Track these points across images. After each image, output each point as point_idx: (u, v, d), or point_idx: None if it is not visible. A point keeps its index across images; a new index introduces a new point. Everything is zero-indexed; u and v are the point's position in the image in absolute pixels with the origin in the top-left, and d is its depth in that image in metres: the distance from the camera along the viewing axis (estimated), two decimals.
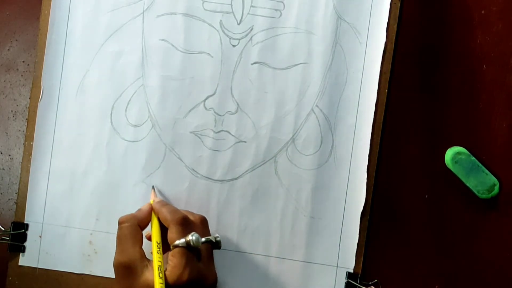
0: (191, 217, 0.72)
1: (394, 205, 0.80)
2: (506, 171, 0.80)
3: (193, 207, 0.79)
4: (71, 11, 0.79)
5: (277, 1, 0.79)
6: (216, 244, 0.72)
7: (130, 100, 0.79)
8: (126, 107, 0.79)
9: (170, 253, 0.68)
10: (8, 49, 0.82)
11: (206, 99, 0.79)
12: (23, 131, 0.80)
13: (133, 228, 0.71)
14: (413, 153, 0.81)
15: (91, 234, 0.79)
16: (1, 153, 0.82)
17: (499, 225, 0.80)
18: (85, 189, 0.79)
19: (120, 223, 0.72)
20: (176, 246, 0.68)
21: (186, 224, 0.70)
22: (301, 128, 0.79)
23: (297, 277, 0.79)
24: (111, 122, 0.79)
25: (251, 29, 0.79)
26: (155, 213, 0.74)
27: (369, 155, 0.79)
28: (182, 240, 0.68)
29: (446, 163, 0.79)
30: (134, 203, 0.79)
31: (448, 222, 0.80)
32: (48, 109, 0.79)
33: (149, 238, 0.74)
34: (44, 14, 0.79)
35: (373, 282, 0.79)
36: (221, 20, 0.79)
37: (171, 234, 0.69)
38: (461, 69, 0.81)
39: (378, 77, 0.79)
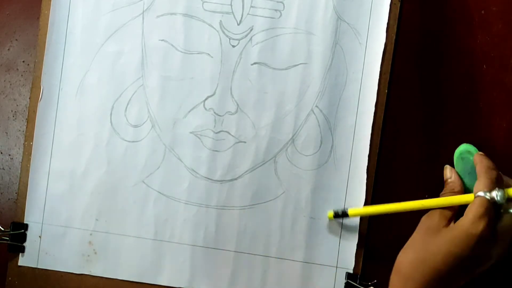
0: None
1: None
2: (506, 171, 0.80)
3: (192, 208, 0.79)
4: (71, 11, 0.79)
5: (277, 2, 0.79)
6: None
7: (130, 100, 0.79)
8: (126, 107, 0.79)
9: (470, 203, 0.67)
10: (8, 49, 0.82)
11: (205, 99, 0.79)
12: (23, 131, 0.80)
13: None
14: (413, 153, 0.81)
15: (90, 234, 0.79)
16: (1, 153, 0.82)
17: None
18: (84, 189, 0.79)
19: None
20: (478, 196, 0.67)
21: (498, 180, 0.69)
22: (301, 128, 0.79)
23: (297, 277, 0.79)
24: (111, 122, 0.79)
25: (251, 30, 0.79)
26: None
27: (369, 156, 0.79)
28: (486, 193, 0.67)
29: (454, 156, 0.78)
30: (134, 203, 0.79)
31: None
32: (48, 109, 0.79)
33: None
34: (44, 14, 0.79)
35: (372, 282, 0.79)
36: (221, 21, 0.79)
37: (479, 184, 0.68)
38: (461, 69, 0.81)
39: (378, 77, 0.79)
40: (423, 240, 0.69)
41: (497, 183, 0.69)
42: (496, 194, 0.67)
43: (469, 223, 0.65)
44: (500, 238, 0.67)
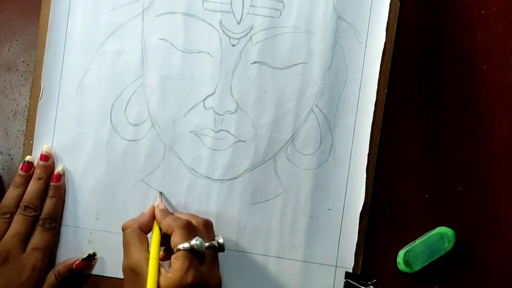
0: (194, 221, 0.72)
1: (393, 205, 0.80)
2: (506, 171, 0.80)
3: (192, 207, 0.79)
4: (71, 10, 0.79)
5: (277, 1, 0.79)
6: (220, 248, 0.71)
7: (129, 99, 0.79)
8: (126, 106, 0.79)
9: (173, 256, 0.68)
10: (8, 49, 0.82)
11: (205, 98, 0.79)
12: (23, 131, 0.80)
13: (135, 232, 0.72)
14: (413, 153, 0.81)
15: (90, 233, 0.79)
16: (1, 153, 0.82)
17: (499, 225, 0.80)
18: (84, 188, 0.79)
19: (123, 229, 0.73)
20: (179, 250, 0.68)
21: (190, 228, 0.70)
22: (301, 127, 0.79)
23: (296, 276, 0.79)
24: (111, 121, 0.79)
25: (251, 29, 0.79)
26: (156, 221, 0.74)
27: (369, 155, 0.79)
28: (186, 244, 0.68)
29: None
30: (134, 202, 0.79)
31: (448, 222, 0.80)
32: (48, 108, 0.79)
33: None
34: (44, 13, 0.79)
35: (372, 282, 0.79)
36: (220, 20, 0.79)
37: (174, 238, 0.69)
38: (461, 69, 0.81)
39: (377, 77, 0.79)
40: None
41: (190, 230, 0.70)
42: (195, 244, 0.68)
43: (178, 279, 0.67)
44: (209, 274, 0.70)
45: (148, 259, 0.69)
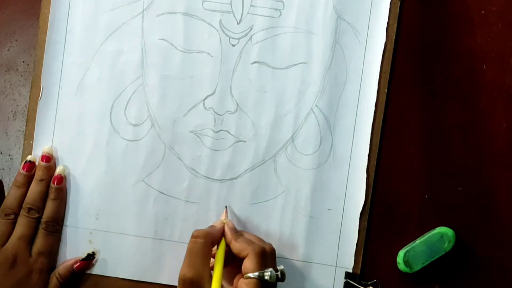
0: (266, 247, 0.72)
1: (393, 205, 0.80)
2: (506, 171, 0.80)
3: (192, 207, 0.79)
4: (71, 10, 0.79)
5: (277, 1, 0.79)
6: (282, 278, 0.71)
7: (129, 99, 0.79)
8: (126, 106, 0.79)
9: (243, 281, 0.69)
10: (8, 49, 0.82)
11: (205, 98, 0.79)
12: (23, 131, 0.80)
13: (206, 246, 0.71)
14: (413, 153, 0.81)
15: (90, 233, 0.79)
16: (1, 153, 0.82)
17: (499, 225, 0.80)
18: (84, 188, 0.79)
19: (194, 236, 0.71)
20: (249, 277, 0.68)
21: (264, 256, 0.70)
22: (301, 127, 0.79)
23: (296, 276, 0.79)
24: (111, 121, 0.79)
25: (251, 29, 0.79)
26: (226, 239, 0.73)
27: (369, 155, 0.79)
28: (259, 273, 0.68)
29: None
30: (134, 202, 0.79)
31: (448, 222, 0.80)
32: (48, 108, 0.79)
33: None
34: (44, 13, 0.80)
35: (372, 282, 0.79)
36: (220, 20, 0.79)
37: (249, 264, 0.69)
38: (461, 69, 0.81)
39: (377, 76, 0.79)
40: None
41: (264, 258, 0.71)
42: (269, 276, 0.69)
43: None
44: None
45: (210, 276, 0.69)
